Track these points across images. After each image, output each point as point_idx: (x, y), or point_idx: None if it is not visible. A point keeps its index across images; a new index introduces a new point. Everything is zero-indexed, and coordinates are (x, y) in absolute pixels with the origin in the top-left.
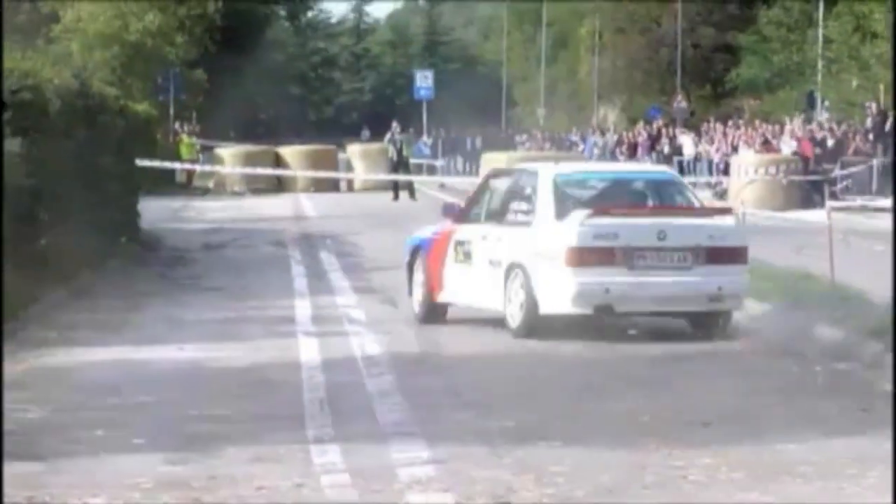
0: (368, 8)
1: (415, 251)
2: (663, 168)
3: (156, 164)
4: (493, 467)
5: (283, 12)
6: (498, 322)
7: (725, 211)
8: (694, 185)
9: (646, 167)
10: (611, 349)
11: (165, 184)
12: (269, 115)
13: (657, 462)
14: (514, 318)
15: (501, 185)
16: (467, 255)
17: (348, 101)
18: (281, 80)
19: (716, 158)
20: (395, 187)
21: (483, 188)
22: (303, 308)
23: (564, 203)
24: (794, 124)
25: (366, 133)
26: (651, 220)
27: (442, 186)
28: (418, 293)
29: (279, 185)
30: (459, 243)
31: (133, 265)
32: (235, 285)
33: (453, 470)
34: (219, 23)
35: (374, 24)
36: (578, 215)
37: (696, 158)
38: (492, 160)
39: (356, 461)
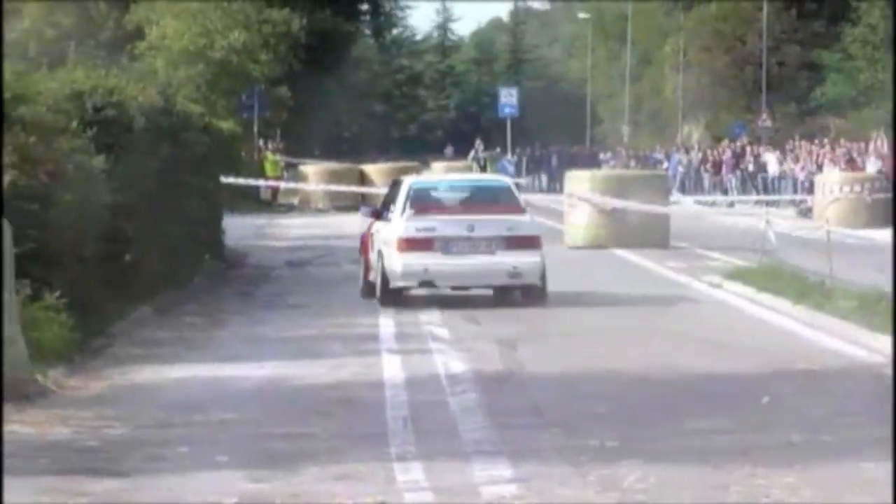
0: (453, 26)
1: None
2: (499, 177)
3: (240, 181)
4: (577, 486)
5: (367, 30)
6: (581, 342)
7: (521, 211)
8: (777, 203)
9: (484, 177)
10: (692, 369)
11: (249, 201)
12: (353, 132)
13: (740, 481)
14: (378, 290)
15: (392, 191)
16: (374, 244)
17: (433, 118)
18: (365, 97)
19: (800, 176)
20: None
21: (387, 194)
22: (386, 326)
23: (414, 205)
24: (879, 142)
25: (449, 150)
26: (462, 217)
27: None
28: (360, 274)
29: (363, 203)
30: (372, 235)
31: (217, 282)
32: (318, 303)
33: (536, 488)
34: (303, 40)
35: (458, 42)
36: (406, 214)
37: (781, 176)
38: (576, 178)
39: (439, 479)
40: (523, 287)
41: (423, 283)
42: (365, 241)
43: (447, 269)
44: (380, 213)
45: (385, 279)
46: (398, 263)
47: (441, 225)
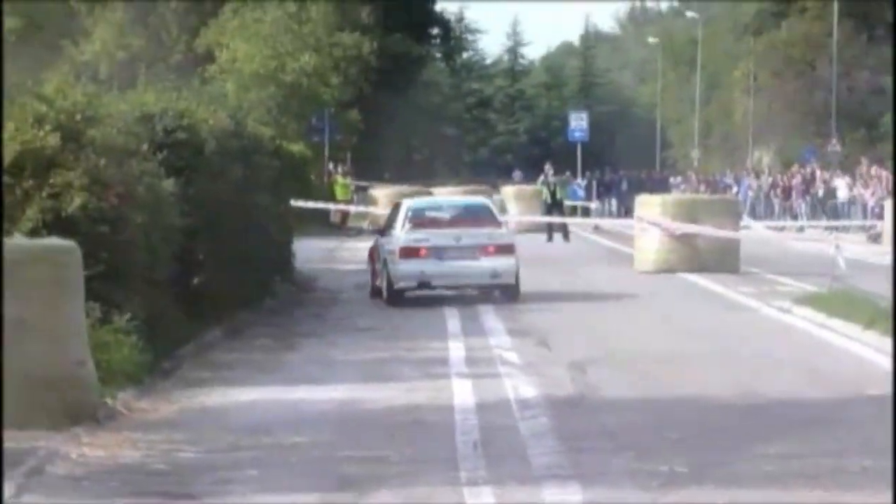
0: (523, 50)
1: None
2: (480, 199)
3: (310, 204)
4: None
5: (438, 54)
6: (651, 365)
7: (498, 225)
8: (847, 228)
9: (469, 198)
10: (763, 394)
11: (320, 224)
12: (424, 155)
13: None
14: (384, 292)
15: (393, 212)
16: (380, 255)
17: (503, 142)
18: (436, 120)
19: (870, 202)
20: (549, 229)
21: (389, 214)
22: (456, 349)
23: (412, 221)
24: None
25: (518, 174)
26: (451, 230)
27: (596, 228)
28: (369, 280)
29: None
30: (378, 248)
31: (288, 305)
32: (388, 326)
33: None
34: (374, 63)
35: (528, 66)
36: (406, 227)
37: (851, 202)
38: (646, 202)
39: (509, 503)
40: (501, 286)
41: (421, 284)
42: (372, 253)
43: (440, 272)
44: (383, 230)
45: (390, 282)
46: (400, 268)
47: (433, 237)
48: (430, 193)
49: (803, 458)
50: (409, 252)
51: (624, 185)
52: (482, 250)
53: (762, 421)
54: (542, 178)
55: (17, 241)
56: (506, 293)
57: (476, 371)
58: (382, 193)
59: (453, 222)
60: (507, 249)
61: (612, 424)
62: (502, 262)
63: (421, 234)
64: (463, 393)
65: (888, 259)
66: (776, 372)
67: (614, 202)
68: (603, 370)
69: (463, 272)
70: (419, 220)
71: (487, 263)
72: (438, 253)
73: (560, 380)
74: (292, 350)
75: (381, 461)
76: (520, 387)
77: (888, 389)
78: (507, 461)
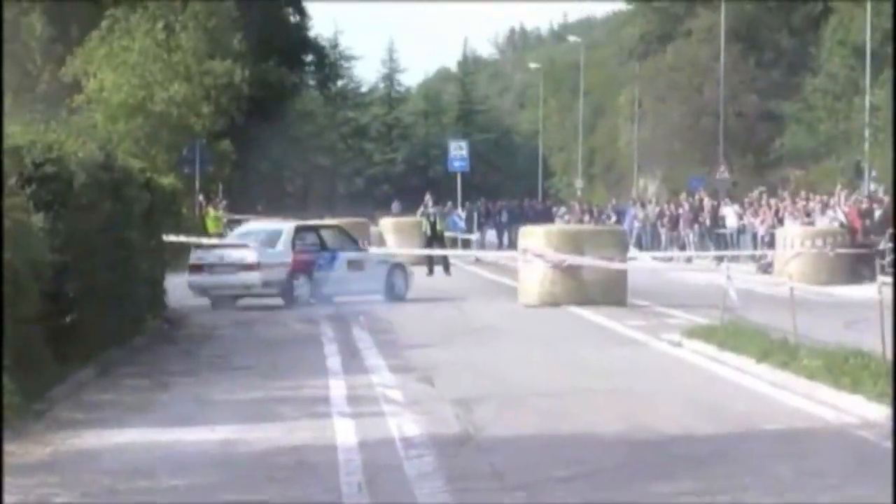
0: (400, 76)
1: None
2: (280, 226)
3: (182, 238)
4: None
5: (312, 81)
6: (539, 402)
7: (244, 247)
8: (737, 258)
9: (267, 224)
10: (656, 430)
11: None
12: (298, 186)
13: None
14: None
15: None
16: None
17: (380, 172)
18: (310, 150)
19: (760, 231)
20: (430, 262)
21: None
22: (337, 388)
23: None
24: (841, 195)
25: (396, 206)
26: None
27: (477, 261)
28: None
29: None
30: None
31: (160, 343)
32: (266, 364)
33: None
34: (246, 92)
35: (405, 93)
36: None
37: (740, 231)
38: (530, 233)
39: None
40: (254, 294)
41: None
42: None
43: (212, 283)
44: None
45: None
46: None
47: (208, 256)
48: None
49: (699, 496)
50: (194, 268)
51: (504, 216)
52: (246, 267)
53: (655, 457)
54: (421, 209)
55: None
56: (262, 297)
57: (359, 409)
58: None
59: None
60: (252, 267)
61: (501, 463)
62: (251, 276)
63: (200, 253)
64: (346, 432)
65: (780, 290)
66: (668, 407)
67: (495, 233)
68: (489, 407)
69: (225, 283)
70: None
71: (242, 277)
72: (211, 268)
73: (445, 418)
74: (166, 390)
75: None
76: (404, 425)
77: (784, 424)
78: (393, 502)
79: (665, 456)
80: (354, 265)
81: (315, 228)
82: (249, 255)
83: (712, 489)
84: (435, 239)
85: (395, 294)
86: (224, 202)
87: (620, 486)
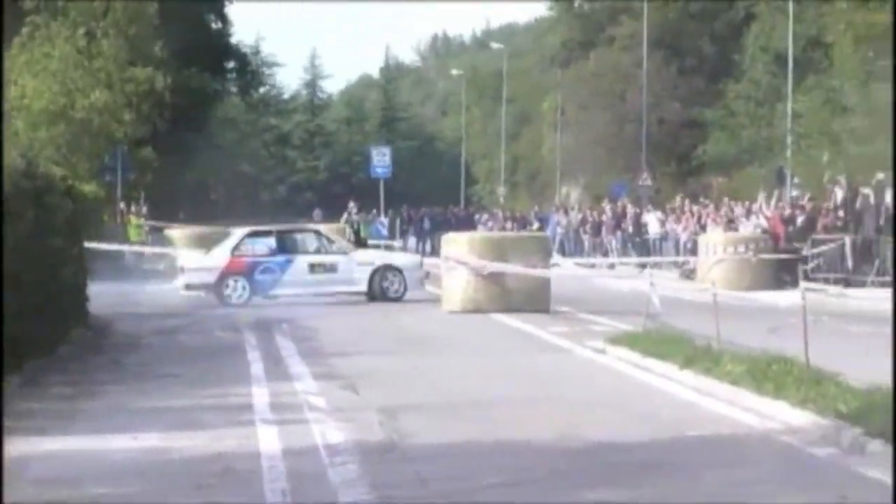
0: (322, 83)
1: None
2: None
3: (104, 246)
4: None
5: (234, 88)
6: (464, 410)
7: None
8: (660, 264)
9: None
10: (581, 437)
11: (114, 267)
12: (221, 194)
13: None
14: None
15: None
16: None
17: (303, 179)
18: (233, 158)
19: (683, 237)
20: None
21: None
22: (260, 395)
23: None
24: (763, 201)
25: (318, 213)
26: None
27: None
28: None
29: None
30: None
31: (84, 351)
32: (190, 372)
33: None
34: (168, 99)
35: (328, 100)
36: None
37: (663, 237)
38: (453, 240)
39: None
40: None
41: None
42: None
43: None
44: None
45: None
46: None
47: None
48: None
49: None
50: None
51: (426, 223)
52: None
53: (582, 465)
54: (345, 216)
55: None
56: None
57: (282, 417)
58: (179, 234)
59: None
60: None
61: (426, 471)
62: (179, 279)
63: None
64: (270, 440)
65: (703, 296)
66: (594, 414)
67: (417, 240)
68: (414, 415)
69: None
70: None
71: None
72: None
73: (370, 425)
74: (92, 398)
75: None
76: (328, 432)
77: (709, 430)
78: None
79: (593, 463)
80: (321, 267)
81: (274, 233)
82: (178, 260)
83: (641, 497)
84: (358, 246)
85: (385, 295)
86: (144, 209)
87: (548, 493)
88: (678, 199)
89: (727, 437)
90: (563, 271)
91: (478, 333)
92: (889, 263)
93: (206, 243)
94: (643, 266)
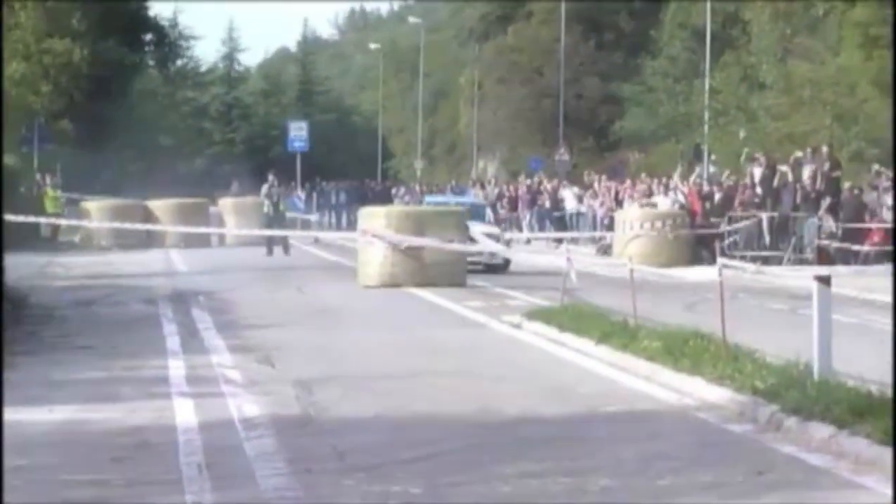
0: (240, 56)
1: None
2: None
3: (20, 218)
4: None
5: (152, 61)
6: (380, 383)
7: None
8: (577, 240)
9: None
10: (499, 412)
11: (30, 239)
12: (139, 167)
13: None
14: None
15: None
16: None
17: (220, 152)
18: (150, 130)
19: (600, 213)
20: (270, 242)
21: None
22: (176, 368)
23: None
24: (680, 177)
25: (235, 186)
26: None
27: (316, 241)
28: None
29: (148, 240)
30: None
31: (3, 322)
32: (106, 344)
33: None
34: (85, 71)
35: (245, 73)
36: None
37: (579, 213)
38: (370, 214)
39: None
40: None
41: None
42: None
43: None
44: None
45: None
46: None
47: None
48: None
49: (542, 478)
50: None
51: (342, 197)
52: None
53: (498, 439)
54: (265, 188)
55: None
56: None
57: (198, 390)
58: (95, 206)
59: None
60: None
61: (342, 445)
62: None
63: None
64: (185, 413)
65: (620, 272)
66: (510, 389)
67: (335, 214)
68: (330, 388)
69: None
70: None
71: None
72: None
73: (286, 399)
74: (11, 370)
75: (104, 484)
76: (244, 406)
77: (626, 406)
78: (233, 483)
79: (510, 438)
80: None
81: None
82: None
83: (556, 471)
84: (277, 219)
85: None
86: (59, 181)
87: (465, 467)
88: (585, 175)
89: (643, 412)
90: (481, 246)
91: (394, 307)
92: (806, 240)
93: (121, 216)
94: (560, 241)
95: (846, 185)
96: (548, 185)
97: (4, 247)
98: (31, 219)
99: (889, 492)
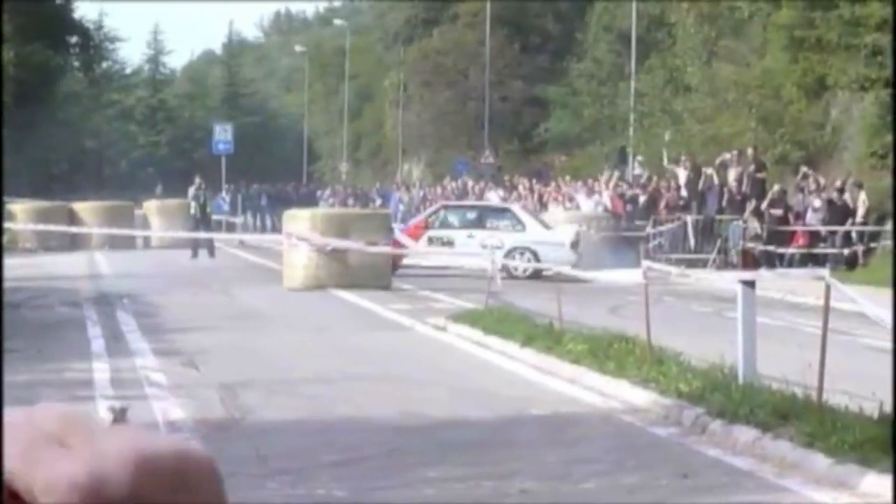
0: (165, 58)
1: None
2: None
3: None
4: None
5: (77, 63)
6: (305, 387)
7: None
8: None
9: None
10: (423, 415)
11: None
12: (64, 169)
13: None
14: None
15: None
16: None
17: (144, 154)
18: (75, 133)
19: None
20: (195, 245)
21: None
22: (101, 371)
23: None
24: (605, 180)
25: (159, 188)
26: None
27: (241, 244)
28: None
29: (73, 243)
30: None
31: None
32: (30, 347)
33: None
34: (10, 73)
35: (170, 76)
36: None
37: None
38: (295, 217)
39: None
40: None
41: None
42: None
43: None
44: None
45: None
46: None
47: None
48: (70, 210)
49: (465, 482)
50: None
51: (263, 199)
52: None
53: (422, 443)
54: (192, 190)
55: None
56: None
57: (122, 393)
58: (20, 208)
59: None
60: None
61: (266, 448)
62: None
63: None
64: (109, 416)
65: (544, 274)
66: (433, 392)
67: (259, 217)
68: (256, 392)
69: None
70: None
71: None
72: None
73: (210, 402)
74: None
75: None
76: (168, 409)
77: (550, 409)
78: None
79: (433, 441)
80: None
81: None
82: None
83: (480, 475)
84: (203, 221)
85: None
86: None
87: (389, 471)
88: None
89: (568, 415)
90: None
91: (319, 310)
92: (731, 242)
93: (46, 218)
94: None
95: (775, 187)
96: (474, 188)
97: None
98: None
99: (813, 494)
